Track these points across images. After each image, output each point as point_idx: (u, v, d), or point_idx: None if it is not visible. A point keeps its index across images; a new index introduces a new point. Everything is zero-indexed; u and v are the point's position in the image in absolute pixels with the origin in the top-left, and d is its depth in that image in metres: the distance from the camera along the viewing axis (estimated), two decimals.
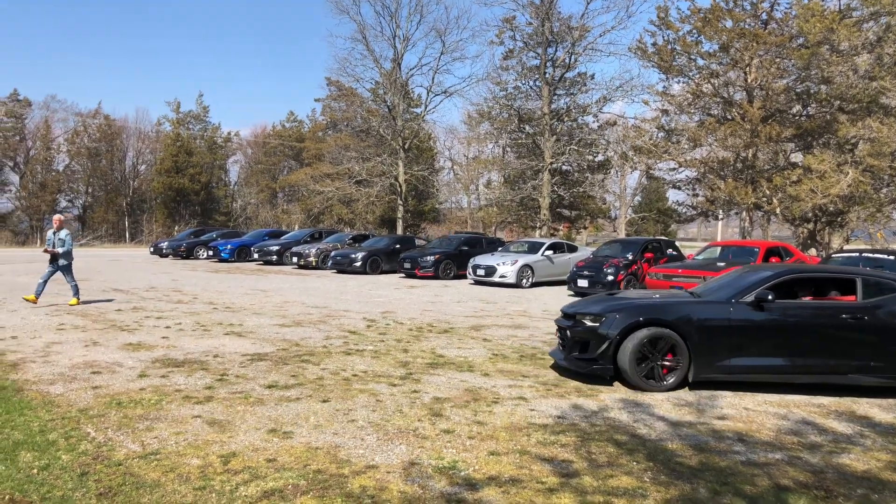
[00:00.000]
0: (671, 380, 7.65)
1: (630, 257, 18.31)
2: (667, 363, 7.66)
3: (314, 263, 26.74)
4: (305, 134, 65.91)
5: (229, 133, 69.12)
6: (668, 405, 6.99)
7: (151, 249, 36.15)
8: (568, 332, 8.29)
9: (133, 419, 5.99)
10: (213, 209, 62.60)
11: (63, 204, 62.62)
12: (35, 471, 4.70)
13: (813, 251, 24.36)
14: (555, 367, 8.79)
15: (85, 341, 9.72)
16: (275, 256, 29.15)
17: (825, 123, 23.44)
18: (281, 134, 67.24)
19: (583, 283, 18.05)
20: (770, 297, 7.59)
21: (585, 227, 43.26)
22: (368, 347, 9.73)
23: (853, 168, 20.35)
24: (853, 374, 7.57)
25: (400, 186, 38.19)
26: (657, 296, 8.81)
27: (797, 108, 26.03)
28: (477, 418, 6.32)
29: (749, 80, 25.39)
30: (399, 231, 38.56)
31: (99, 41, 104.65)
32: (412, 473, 4.92)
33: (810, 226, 25.24)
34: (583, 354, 8.01)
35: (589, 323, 8.06)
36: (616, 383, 7.86)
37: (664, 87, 27.64)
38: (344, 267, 24.91)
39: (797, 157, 25.46)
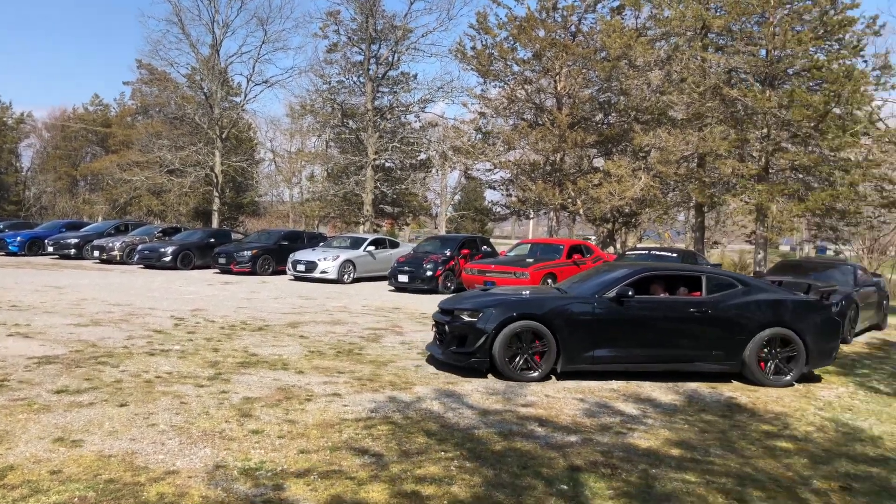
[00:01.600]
0: (540, 370, 8.06)
1: (448, 253, 18.85)
2: (537, 355, 8.06)
3: (118, 258, 24.83)
4: (112, 119, 60.98)
5: (22, 114, 62.33)
6: (479, 395, 7.29)
7: None
8: (446, 326, 8.47)
9: None
10: (1, 198, 56.22)
11: None
12: None
13: (611, 249, 26.51)
14: (432, 360, 8.97)
15: None
16: (73, 250, 26.69)
17: (623, 132, 25.56)
18: (84, 118, 61.72)
19: (403, 278, 18.32)
20: (630, 293, 8.24)
21: (408, 224, 43.89)
22: (175, 347, 9.22)
23: (645, 174, 22.37)
24: (698, 361, 8.39)
25: (216, 177, 36.51)
26: (527, 292, 9.24)
27: (600, 116, 28.15)
28: (288, 417, 6.21)
29: (559, 88, 27.05)
30: (215, 224, 36.86)
31: None
32: (216, 477, 4.74)
33: (609, 225, 27.44)
34: (461, 348, 8.24)
35: (467, 318, 8.30)
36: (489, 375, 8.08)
37: (482, 90, 28.75)
38: (152, 262, 23.37)
39: (599, 162, 27.53)
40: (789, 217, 20.12)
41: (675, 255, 16.64)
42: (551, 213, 28.03)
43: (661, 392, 7.74)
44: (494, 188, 30.67)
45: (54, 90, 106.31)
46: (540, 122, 27.27)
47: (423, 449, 5.50)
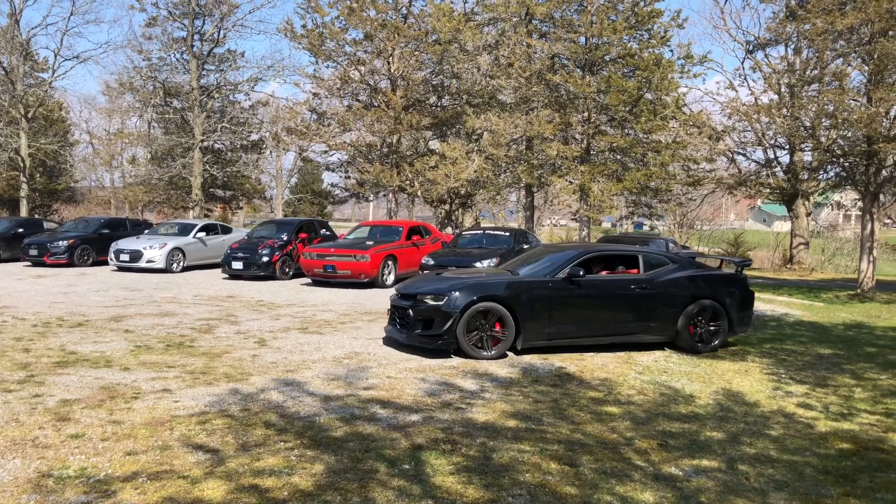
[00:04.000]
0: (499, 347, 8.42)
1: (285, 238, 18.40)
2: (496, 334, 8.38)
3: None
4: None
5: None
6: (319, 381, 7.22)
7: None
8: (410, 311, 8.66)
9: None
10: None
11: None
12: None
13: (449, 230, 27.14)
14: (390, 342, 9.19)
15: None
16: None
17: (456, 115, 26.15)
18: None
19: (237, 265, 17.67)
20: (582, 273, 8.70)
21: (241, 208, 42.26)
22: None
23: (479, 156, 23.09)
24: (639, 333, 9.09)
25: (23, 161, 33.11)
26: (483, 275, 9.49)
27: (434, 98, 28.59)
28: (113, 417, 5.83)
29: (392, 70, 27.12)
30: (23, 213, 33.48)
31: None
32: (28, 489, 4.36)
33: (447, 207, 28.05)
34: (427, 331, 8.43)
35: (431, 302, 8.47)
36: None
37: (315, 70, 28.20)
38: None
39: (435, 145, 28.02)
40: (609, 196, 21.63)
41: (507, 233, 17.34)
42: (390, 195, 28.18)
43: (497, 366, 8.08)
44: (332, 170, 30.32)
45: None
46: (375, 104, 27.26)
47: (262, 441, 5.37)
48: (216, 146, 33.09)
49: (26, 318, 10.84)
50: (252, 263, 17.55)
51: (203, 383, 7.05)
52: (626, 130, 22.12)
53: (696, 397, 7.13)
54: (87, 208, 49.27)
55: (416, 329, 8.61)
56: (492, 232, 17.41)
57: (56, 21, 45.84)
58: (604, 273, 9.60)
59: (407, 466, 4.92)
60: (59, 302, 12.76)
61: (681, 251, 16.36)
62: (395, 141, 27.21)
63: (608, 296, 9.10)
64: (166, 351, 8.62)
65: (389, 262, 16.26)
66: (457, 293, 8.48)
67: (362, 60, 27.29)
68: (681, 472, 5.04)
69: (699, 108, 26.61)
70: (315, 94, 28.40)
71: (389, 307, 9.51)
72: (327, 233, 20.08)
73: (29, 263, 20.67)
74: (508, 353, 8.65)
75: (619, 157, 22.66)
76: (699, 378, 7.96)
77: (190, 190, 31.41)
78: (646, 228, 43.41)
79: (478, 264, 14.40)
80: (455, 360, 8.33)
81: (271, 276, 17.62)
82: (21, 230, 22.61)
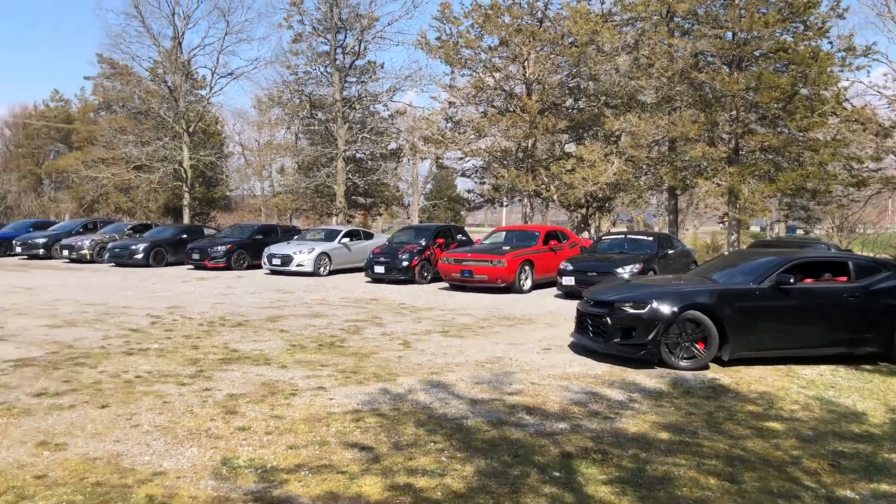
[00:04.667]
0: (702, 358, 8.11)
1: (423, 243, 18.80)
2: (700, 343, 8.10)
3: (88, 256, 24.39)
4: (74, 115, 59.69)
5: None
6: (464, 385, 7.30)
7: None
8: (607, 319, 8.39)
9: None
10: None
11: None
12: None
13: (586, 234, 26.68)
14: (578, 349, 9.03)
15: None
16: (42, 250, 26.18)
17: (594, 117, 25.67)
18: (45, 114, 60.33)
19: (379, 269, 18.26)
20: (791, 281, 8.30)
21: (381, 215, 43.61)
22: (153, 346, 9.09)
23: (618, 158, 22.53)
24: (850, 346, 8.54)
25: (185, 172, 35.95)
26: (680, 282, 9.21)
27: (570, 101, 28.23)
28: (274, 412, 6.17)
29: (527, 74, 27.04)
30: (186, 220, 36.32)
31: None
32: (206, 476, 4.69)
33: (583, 211, 27.60)
34: (627, 340, 8.23)
35: (631, 310, 8.26)
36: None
37: (450, 79, 28.66)
38: (123, 260, 22.99)
39: (571, 148, 27.65)
40: (760, 198, 20.40)
41: (650, 238, 16.79)
42: (525, 200, 28.08)
43: (644, 377, 7.82)
44: (468, 176, 30.65)
45: (13, 87, 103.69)
46: (510, 109, 27.28)
47: (414, 441, 5.49)
48: (357, 155, 34.36)
49: (193, 317, 11.72)
50: (393, 268, 18.07)
51: (354, 382, 7.31)
52: (778, 129, 20.78)
53: (870, 416, 6.55)
54: (240, 215, 52.68)
55: (615, 338, 8.35)
56: (634, 236, 16.93)
57: (212, 41, 49.32)
58: (807, 281, 8.98)
59: (557, 474, 4.86)
60: (221, 303, 13.70)
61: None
62: (530, 145, 27.11)
63: (819, 305, 8.49)
64: (319, 350, 9.02)
65: (526, 268, 16.19)
66: (660, 302, 8.19)
67: (497, 67, 27.41)
68: (857, 497, 4.65)
69: (862, 102, 24.55)
70: (451, 103, 28.84)
71: (577, 315, 9.30)
72: (463, 238, 20.31)
73: (192, 267, 22.38)
74: (655, 365, 8.34)
75: (771, 156, 21.33)
76: (872, 395, 7.32)
77: (334, 197, 32.80)
78: (799, 233, 40.63)
79: (619, 270, 14.04)
80: (599, 369, 8.14)
81: (410, 280, 18.05)
82: (185, 236, 24.55)
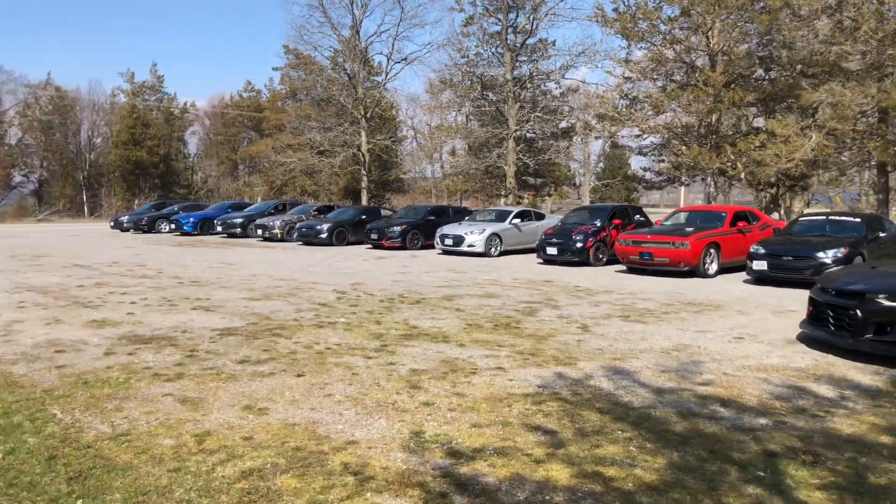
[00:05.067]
0: None
1: (598, 224, 18.30)
2: None
3: (279, 235, 26.32)
4: (264, 104, 64.52)
5: (186, 104, 67.43)
6: (650, 372, 6.96)
7: (112, 224, 35.23)
8: (857, 312, 7.48)
9: (101, 399, 5.74)
10: (173, 182, 61.25)
11: (18, 178, 60.72)
12: (0, 456, 4.46)
13: (776, 215, 24.71)
14: (813, 342, 7.89)
15: (47, 319, 9.36)
16: (239, 229, 28.64)
17: (787, 88, 23.58)
18: (239, 104, 65.74)
19: (552, 250, 18.02)
20: None
21: (550, 195, 43.22)
22: (340, 320, 9.54)
23: (816, 132, 20.56)
24: None
25: (363, 156, 37.66)
26: None
27: (759, 72, 26.17)
28: (456, 390, 6.21)
29: (711, 45, 25.39)
30: (363, 202, 38.14)
31: (43, 6, 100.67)
32: (395, 448, 4.79)
33: (773, 190, 25.56)
34: (883, 337, 7.29)
35: (887, 303, 7.36)
36: None
37: (626, 53, 27.59)
38: (310, 238, 24.54)
39: (760, 122, 25.65)
40: None
41: (857, 219, 15.16)
42: (708, 179, 26.52)
43: (857, 372, 7.03)
44: (644, 154, 29.45)
45: (212, 80, 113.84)
46: (692, 83, 25.78)
47: (599, 428, 5.29)
48: (528, 135, 34.18)
49: (374, 294, 12.19)
50: (566, 249, 17.76)
51: (533, 364, 7.21)
52: None
53: None
54: (412, 197, 54.43)
55: (866, 333, 7.37)
56: (837, 217, 15.34)
57: (388, 28, 51.06)
58: None
59: (762, 474, 4.45)
60: (399, 281, 14.15)
61: None
62: (713, 120, 25.50)
63: None
64: (495, 330, 9.01)
65: (712, 251, 15.24)
66: None
67: (678, 38, 25.98)
68: None
69: None
70: (627, 78, 27.79)
71: (811, 303, 8.34)
72: (641, 219, 19.53)
73: (370, 246, 23.41)
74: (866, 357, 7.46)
75: None
76: None
77: (503, 178, 32.91)
78: None
79: (820, 255, 12.83)
80: (803, 362, 7.44)
81: (584, 262, 17.66)
82: (364, 217, 25.72)
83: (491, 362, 7.24)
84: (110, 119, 62.17)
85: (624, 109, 26.98)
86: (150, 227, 31.86)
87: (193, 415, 5.38)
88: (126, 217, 34.29)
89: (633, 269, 16.29)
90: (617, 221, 18.52)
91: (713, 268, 15.26)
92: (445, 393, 6.10)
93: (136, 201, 52.30)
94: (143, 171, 57.41)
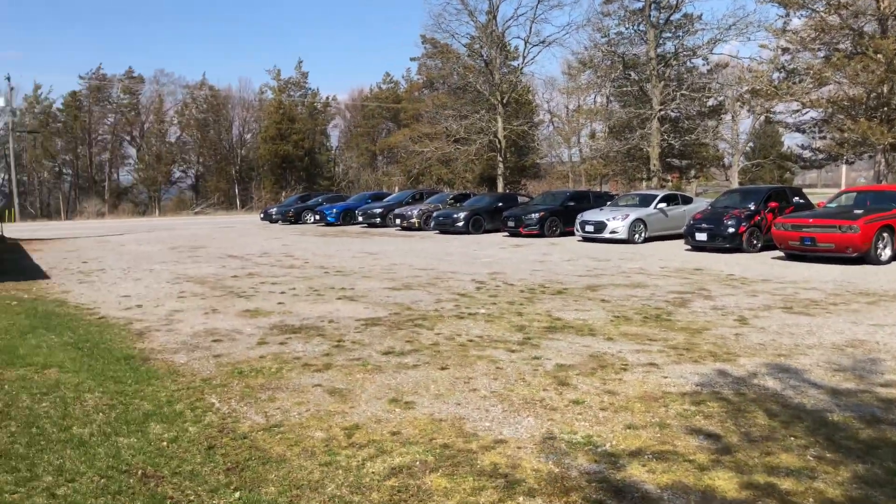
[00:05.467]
0: None
1: (752, 207, 17.09)
2: None
3: (417, 225, 26.74)
4: (402, 95, 66.00)
5: (328, 98, 70.24)
6: (822, 370, 6.31)
7: (261, 215, 37.33)
8: None
9: (255, 389, 5.93)
10: (316, 174, 64.07)
11: (177, 174, 65.85)
12: (165, 443, 4.67)
13: None
14: None
15: (205, 309, 9.91)
16: (378, 219, 29.40)
17: None
18: (378, 96, 67.61)
19: (701, 236, 17.05)
20: None
21: (697, 177, 41.01)
22: (481, 311, 9.42)
23: None
24: None
25: (499, 143, 37.50)
26: None
27: None
28: (606, 387, 5.89)
29: (882, 8, 22.99)
30: (499, 189, 38.01)
31: (200, 12, 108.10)
32: (545, 449, 4.57)
33: None
34: None
35: None
36: None
37: (783, 23, 25.45)
38: (446, 227, 24.74)
39: None
40: None
41: None
42: (878, 156, 24.12)
43: None
44: (802, 131, 27.24)
45: (352, 74, 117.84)
46: (859, 51, 23.47)
47: (768, 433, 4.80)
48: (673, 115, 32.60)
49: (514, 283, 11.99)
50: (717, 235, 16.75)
51: (688, 360, 6.74)
52: None
53: None
54: (549, 182, 53.68)
55: None
56: None
57: (525, 11, 50.16)
58: None
59: None
60: (538, 270, 13.87)
61: None
62: (885, 91, 23.11)
63: None
64: (644, 323, 8.55)
65: (885, 235, 13.80)
66: None
67: (843, 3, 23.71)
68: None
69: None
70: (784, 50, 25.76)
71: None
72: (801, 201, 18.05)
73: (507, 234, 23.24)
74: None
75: None
76: None
77: (646, 160, 31.64)
78: None
79: None
80: None
81: (737, 249, 16.58)
82: (500, 204, 25.57)
83: (642, 358, 6.85)
84: (259, 115, 65.95)
85: (781, 83, 25.00)
86: (296, 218, 33.41)
87: (342, 407, 5.42)
88: (274, 209, 36.18)
89: (793, 256, 15.08)
90: (773, 204, 17.24)
91: (886, 253, 13.82)
92: (595, 391, 5.80)
93: (283, 193, 55.17)
94: (290, 165, 60.43)
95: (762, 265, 14.23)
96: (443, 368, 6.48)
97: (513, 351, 7.14)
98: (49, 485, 3.86)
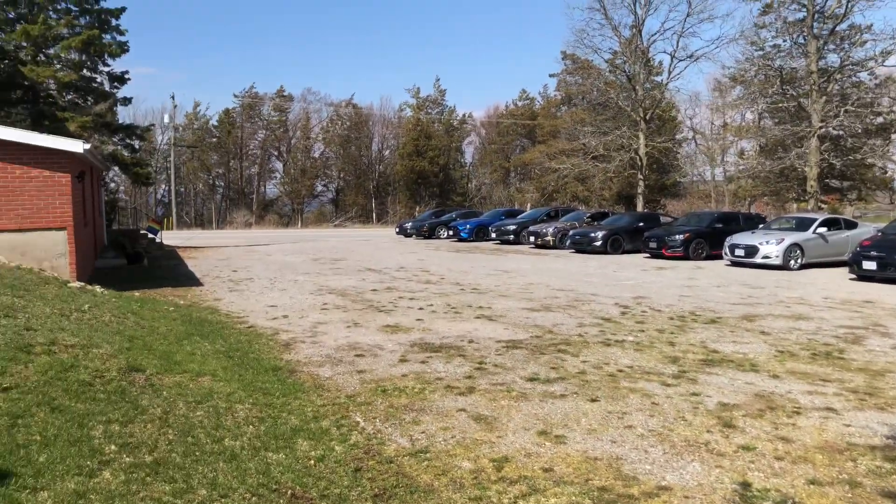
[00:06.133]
0: None
1: None
2: None
3: (551, 243, 26.23)
4: (538, 111, 65.62)
5: (464, 115, 71.09)
6: None
7: (397, 229, 38.09)
8: None
9: (399, 409, 5.80)
10: (450, 190, 64.84)
11: (319, 188, 68.79)
12: (312, 462, 4.61)
13: None
14: None
15: (347, 322, 10.02)
16: (511, 236, 29.14)
17: None
18: (513, 113, 67.61)
19: (870, 265, 15.50)
20: None
21: (861, 199, 37.61)
22: (628, 338, 8.91)
23: None
24: None
25: (640, 160, 36.26)
26: None
27: None
28: (779, 433, 5.29)
29: None
30: (638, 207, 36.72)
31: (346, 37, 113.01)
32: (715, 500, 4.10)
33: None
34: None
35: None
36: None
37: None
38: (583, 246, 24.06)
39: None
40: None
41: None
42: None
43: None
44: None
45: (489, 91, 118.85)
46: None
47: None
48: (834, 133, 30.18)
49: (661, 309, 11.33)
50: (888, 264, 15.15)
51: (872, 407, 5.98)
52: None
53: None
54: (689, 202, 51.37)
55: None
56: None
57: (672, 25, 48.59)
58: None
59: None
60: (686, 295, 13.08)
61: None
62: None
63: None
64: (813, 360, 7.74)
65: None
66: None
67: None
68: None
69: None
70: None
71: None
72: None
73: (648, 255, 22.27)
74: None
75: None
76: None
77: (801, 181, 29.46)
78: None
79: None
80: None
81: None
82: (641, 224, 24.58)
83: (817, 401, 6.15)
84: (397, 132, 67.76)
85: None
86: (430, 233, 33.79)
87: (489, 436, 5.18)
88: (409, 223, 36.80)
89: None
90: None
91: None
92: (766, 436, 5.22)
93: (417, 208, 56.21)
94: (425, 180, 61.54)
95: None
96: (593, 400, 6.09)
97: (668, 385, 6.62)
98: (203, 499, 3.86)
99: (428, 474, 4.45)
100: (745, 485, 4.33)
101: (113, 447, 4.48)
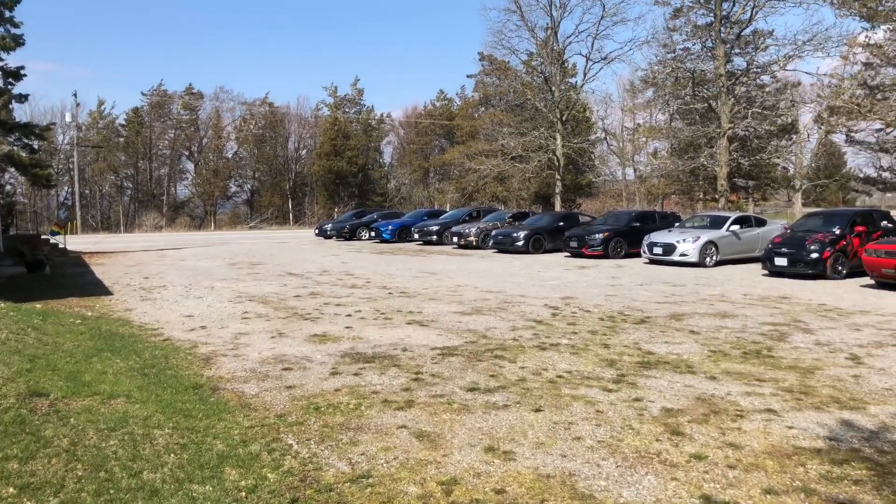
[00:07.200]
0: None
1: (837, 231, 16.04)
2: None
3: (475, 243, 26.20)
4: (456, 112, 65.82)
5: (382, 115, 70.51)
6: None
7: (316, 231, 37.25)
8: None
9: (334, 428, 5.41)
10: (369, 190, 64.14)
11: (233, 189, 66.71)
12: (243, 493, 4.18)
13: None
14: None
15: (271, 332, 9.50)
16: (435, 236, 28.96)
17: None
18: (431, 113, 67.57)
19: (781, 261, 16.07)
20: None
21: (766, 199, 39.37)
22: (563, 341, 8.78)
23: None
24: None
25: (558, 160, 36.76)
26: None
27: None
28: (726, 438, 5.22)
29: None
30: (556, 207, 37.22)
31: (262, 34, 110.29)
32: None
33: None
34: None
35: None
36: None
37: (866, 38, 24.24)
38: (506, 246, 24.10)
39: None
40: None
41: None
42: None
43: None
44: (888, 151, 25.84)
45: (407, 91, 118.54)
46: None
47: None
48: (741, 133, 31.40)
49: (590, 310, 11.30)
50: (798, 260, 15.75)
51: (809, 407, 6.01)
52: None
53: None
54: (602, 201, 52.64)
55: None
56: None
57: (587, 27, 49.41)
58: None
59: None
60: (612, 294, 13.15)
61: None
62: None
63: None
64: (745, 360, 7.80)
65: None
66: None
67: None
68: None
69: None
70: (867, 65, 24.53)
71: None
72: (889, 225, 16.90)
73: (568, 254, 22.48)
74: None
75: None
76: None
77: (711, 180, 30.53)
78: None
79: None
80: None
81: (820, 275, 15.56)
82: (561, 223, 24.83)
83: (756, 402, 6.14)
84: (314, 131, 66.54)
85: (865, 101, 23.77)
86: (351, 235, 33.19)
87: (433, 454, 4.87)
88: (329, 225, 36.06)
89: (885, 285, 14.02)
90: (860, 229, 16.17)
91: None
92: (715, 443, 5.13)
93: (336, 209, 55.30)
94: (343, 181, 60.64)
95: (854, 294, 13.24)
96: (537, 410, 5.87)
97: (609, 390, 6.49)
98: None
99: (372, 502, 4.10)
100: (706, 498, 4.19)
101: (11, 490, 3.94)
